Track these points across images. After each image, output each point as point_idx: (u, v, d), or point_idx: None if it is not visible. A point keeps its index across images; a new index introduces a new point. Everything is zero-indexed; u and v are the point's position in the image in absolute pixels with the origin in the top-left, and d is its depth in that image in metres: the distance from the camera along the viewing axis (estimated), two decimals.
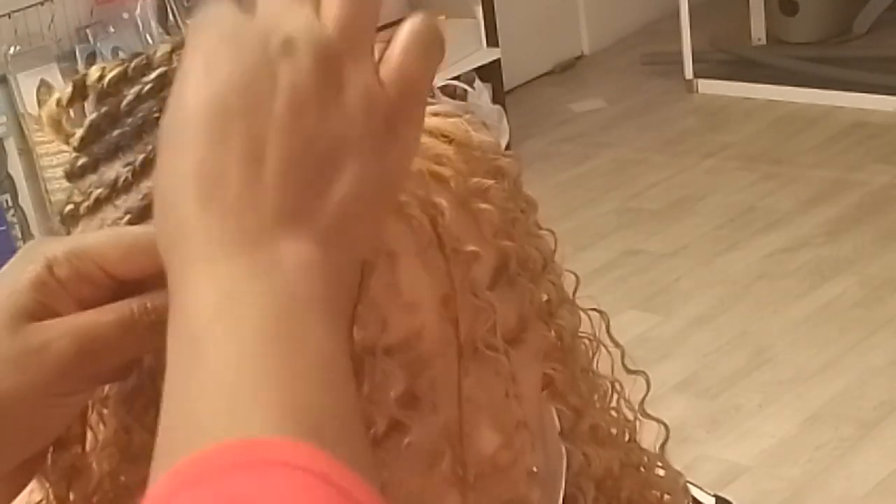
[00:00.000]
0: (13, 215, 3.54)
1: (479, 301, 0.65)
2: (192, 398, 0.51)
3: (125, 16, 3.77)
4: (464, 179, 0.66)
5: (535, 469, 0.68)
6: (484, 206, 0.66)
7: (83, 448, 0.66)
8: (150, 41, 3.69)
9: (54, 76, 3.51)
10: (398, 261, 0.63)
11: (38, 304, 0.60)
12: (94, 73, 0.69)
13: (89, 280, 0.61)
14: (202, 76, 0.56)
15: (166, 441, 0.51)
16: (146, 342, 0.61)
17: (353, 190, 0.55)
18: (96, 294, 0.61)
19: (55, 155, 3.44)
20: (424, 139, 0.66)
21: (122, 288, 0.62)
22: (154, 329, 0.60)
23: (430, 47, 0.58)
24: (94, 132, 0.68)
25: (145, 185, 0.65)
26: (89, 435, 0.67)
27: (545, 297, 0.71)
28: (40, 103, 3.42)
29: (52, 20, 3.64)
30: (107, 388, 0.65)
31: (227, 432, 0.49)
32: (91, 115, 0.68)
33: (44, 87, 3.48)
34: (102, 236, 0.63)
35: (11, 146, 3.53)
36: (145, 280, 0.61)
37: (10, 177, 3.54)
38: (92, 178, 0.67)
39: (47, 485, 0.66)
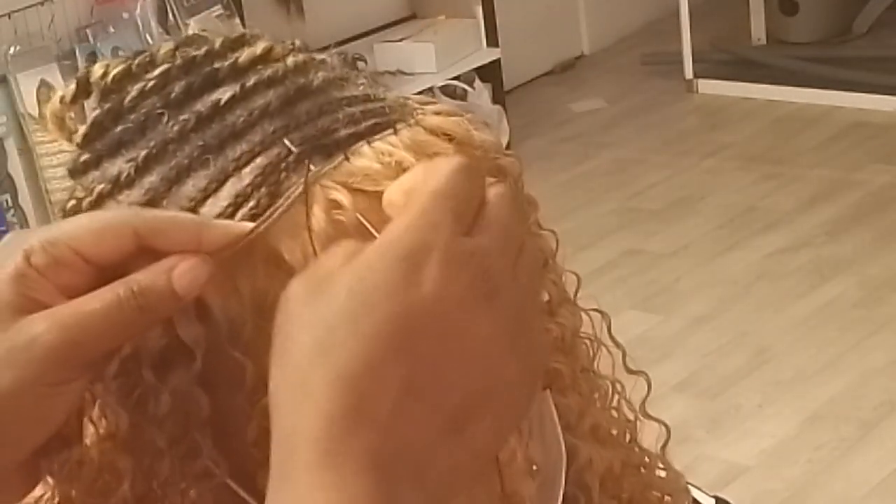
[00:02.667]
0: (13, 215, 3.53)
1: None
2: None
3: (125, 16, 3.77)
4: None
5: (534, 466, 0.68)
6: None
7: (81, 441, 0.66)
8: (150, 41, 3.68)
9: (54, 76, 3.51)
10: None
11: (22, 297, 0.60)
12: (97, 70, 0.68)
13: (67, 266, 0.61)
14: (404, 282, 0.56)
15: None
16: (135, 326, 0.61)
17: (477, 446, 0.57)
18: (77, 280, 0.61)
19: (55, 155, 3.44)
20: (424, 137, 0.66)
21: (104, 273, 0.62)
22: (142, 312, 0.60)
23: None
24: (98, 128, 0.67)
25: (147, 181, 0.65)
26: (91, 429, 0.67)
27: (546, 297, 0.71)
28: (40, 103, 3.42)
29: (52, 20, 3.64)
30: (108, 382, 0.65)
31: None
32: (94, 112, 0.68)
33: (44, 87, 3.47)
34: (76, 221, 0.63)
35: (11, 146, 3.53)
36: (125, 264, 0.61)
37: (10, 177, 3.53)
38: (94, 173, 0.67)
39: (50, 480, 0.66)
